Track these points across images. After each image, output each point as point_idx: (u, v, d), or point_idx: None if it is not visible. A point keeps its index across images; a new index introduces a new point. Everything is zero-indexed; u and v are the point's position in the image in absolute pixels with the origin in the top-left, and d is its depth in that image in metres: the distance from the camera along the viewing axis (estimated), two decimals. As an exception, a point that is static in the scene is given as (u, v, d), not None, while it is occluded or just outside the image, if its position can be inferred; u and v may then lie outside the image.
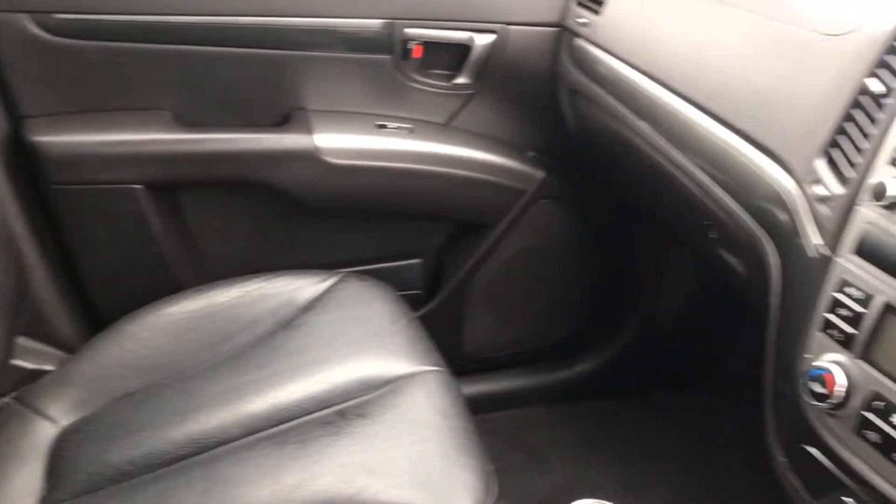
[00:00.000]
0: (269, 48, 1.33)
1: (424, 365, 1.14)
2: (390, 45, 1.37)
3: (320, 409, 1.09)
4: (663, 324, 1.72)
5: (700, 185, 1.10)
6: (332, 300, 1.26)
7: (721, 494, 1.19)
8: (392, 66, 1.39)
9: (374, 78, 1.40)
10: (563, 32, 1.43)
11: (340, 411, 1.08)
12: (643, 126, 1.22)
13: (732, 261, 1.13)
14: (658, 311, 1.71)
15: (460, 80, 1.43)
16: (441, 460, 0.99)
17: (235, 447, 1.04)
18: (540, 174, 1.50)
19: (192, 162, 1.35)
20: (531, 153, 1.53)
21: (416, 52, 1.39)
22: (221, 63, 1.32)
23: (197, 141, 1.34)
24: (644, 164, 1.25)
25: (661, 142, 1.18)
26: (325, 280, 1.29)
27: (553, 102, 1.48)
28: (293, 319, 1.23)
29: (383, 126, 1.42)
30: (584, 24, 1.37)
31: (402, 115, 1.44)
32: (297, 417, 1.08)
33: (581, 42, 1.37)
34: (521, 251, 1.56)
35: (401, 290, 1.34)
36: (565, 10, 1.42)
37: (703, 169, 1.09)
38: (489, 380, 1.72)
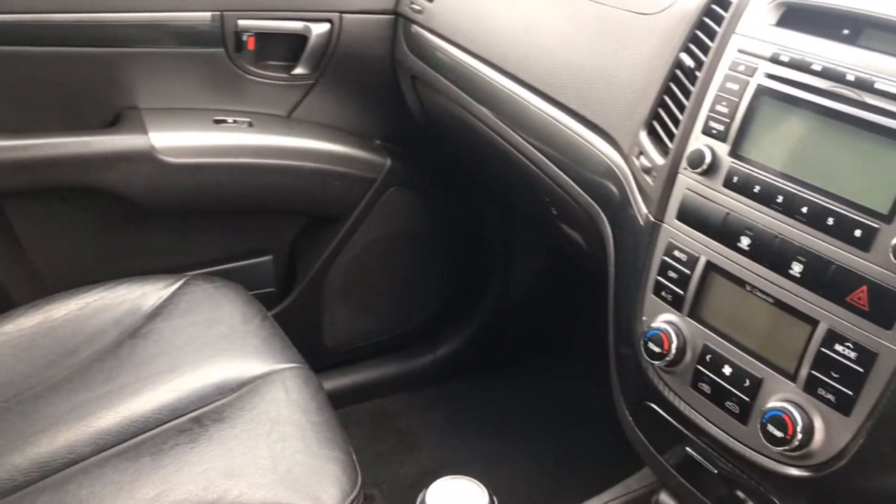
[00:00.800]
0: (95, 46, 1.27)
1: (281, 363, 1.13)
2: (223, 38, 1.33)
3: (175, 418, 1.05)
4: (517, 299, 1.77)
5: (538, 164, 1.13)
6: (179, 305, 1.22)
7: (582, 458, 1.25)
8: (226, 60, 1.36)
9: (208, 72, 1.36)
10: (399, 20, 1.44)
11: (196, 418, 1.05)
12: (482, 110, 1.25)
13: (574, 234, 1.18)
14: (511, 287, 1.76)
15: (299, 70, 1.41)
16: (304, 456, 0.98)
17: (86, 466, 0.99)
18: (387, 162, 1.50)
19: (17, 170, 1.26)
20: (377, 141, 1.53)
21: (251, 43, 1.36)
22: (44, 63, 1.24)
23: (21, 147, 1.26)
24: (486, 147, 1.28)
25: (501, 124, 1.21)
26: (170, 284, 1.24)
27: (395, 89, 1.49)
28: (139, 328, 1.18)
29: (222, 121, 1.38)
30: (418, 11, 1.38)
31: (240, 108, 1.41)
32: (151, 429, 1.04)
33: (417, 29, 1.38)
34: (374, 240, 1.56)
35: (253, 290, 1.31)
36: (399, -2, 1.43)
37: (539, 149, 1.13)
38: (353, 372, 1.72)
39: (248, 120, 1.39)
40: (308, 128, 1.44)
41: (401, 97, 1.49)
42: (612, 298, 0.94)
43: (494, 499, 0.67)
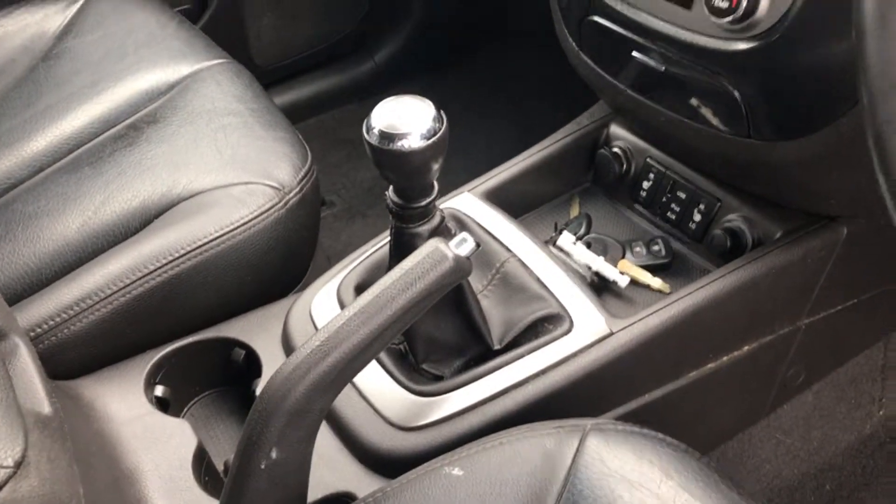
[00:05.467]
0: None
1: (208, 60, 1.07)
2: None
3: (109, 129, 1.01)
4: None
5: None
6: (87, 20, 1.13)
7: (546, 116, 1.22)
8: None
9: None
10: None
11: (131, 124, 1.01)
12: None
13: None
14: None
15: None
16: (249, 139, 0.95)
17: (28, 187, 0.96)
18: None
19: None
20: None
21: None
22: None
23: None
24: None
25: None
26: (73, 1, 1.14)
27: None
28: (51, 49, 1.11)
29: None
30: None
31: None
32: (87, 142, 1.00)
33: None
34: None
35: (166, 4, 1.22)
36: None
37: None
38: (291, 88, 1.65)
39: None
40: None
41: None
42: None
43: (441, 113, 0.65)
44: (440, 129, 0.64)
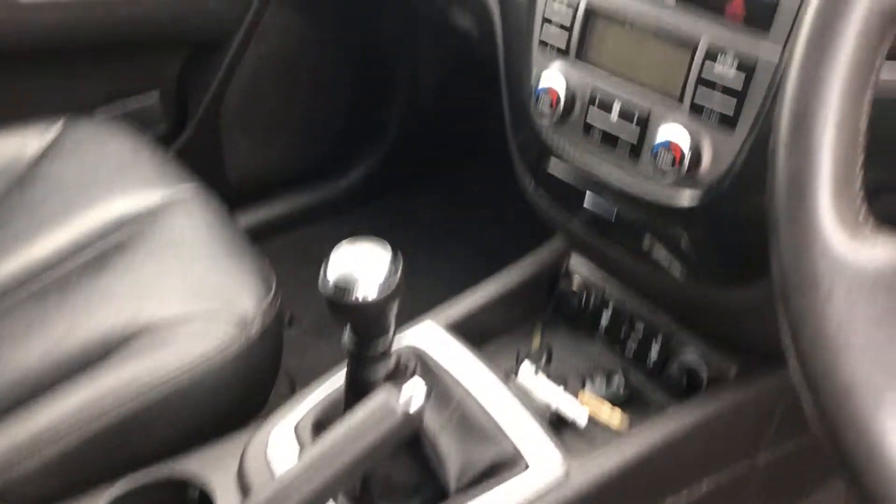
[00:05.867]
0: None
1: (178, 189, 1.09)
2: None
3: (76, 257, 1.02)
4: (426, 108, 1.73)
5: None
6: (63, 148, 1.16)
7: (496, 240, 1.26)
8: None
9: None
10: None
11: (99, 252, 1.02)
12: None
13: (462, 21, 1.14)
14: (419, 96, 1.72)
15: None
16: (214, 269, 0.97)
17: (-9, 313, 0.97)
18: (263, -24, 1.41)
19: None
20: (250, -45, 1.43)
21: None
22: None
23: None
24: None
25: None
26: (50, 129, 1.18)
27: None
28: (24, 176, 1.13)
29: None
30: None
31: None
32: (53, 269, 1.01)
33: None
34: (264, 63, 1.49)
35: (143, 128, 1.26)
36: None
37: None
38: (266, 206, 1.68)
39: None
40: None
41: None
42: (503, 70, 0.92)
43: (398, 253, 0.67)
44: (396, 276, 0.66)
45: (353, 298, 0.64)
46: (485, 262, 1.07)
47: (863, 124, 0.41)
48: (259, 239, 1.63)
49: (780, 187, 0.42)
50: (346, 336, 0.69)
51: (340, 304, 0.64)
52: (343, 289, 0.64)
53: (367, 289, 0.65)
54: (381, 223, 1.73)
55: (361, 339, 0.69)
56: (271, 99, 1.56)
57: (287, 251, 1.67)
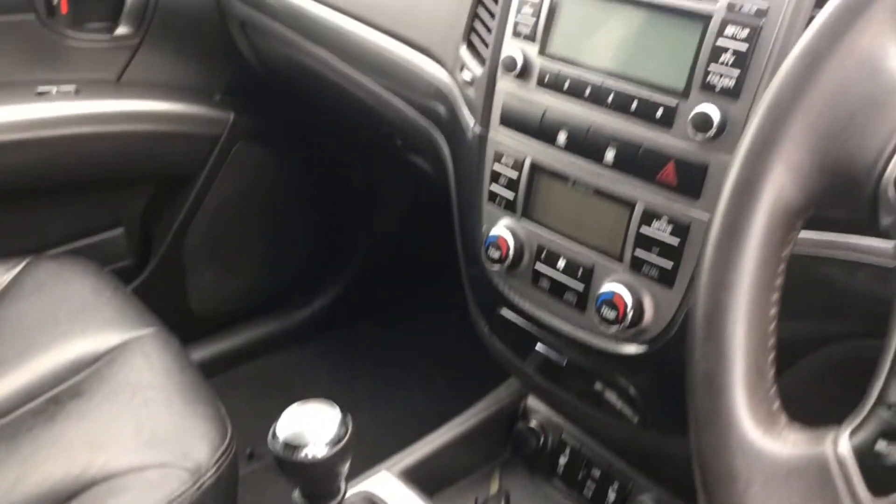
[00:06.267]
0: None
1: (137, 330, 1.09)
2: (31, 3, 1.26)
3: (30, 402, 1.01)
4: (388, 240, 1.77)
5: (375, 96, 1.13)
6: (24, 286, 1.16)
7: (463, 385, 1.27)
8: (39, 26, 1.28)
9: (22, 41, 1.28)
10: (219, -34, 1.39)
11: (52, 398, 1.01)
12: (314, 48, 1.22)
13: (420, 162, 1.18)
14: (381, 229, 1.76)
15: (121, 30, 1.35)
16: (169, 416, 0.96)
17: (-62, 464, 0.94)
18: (230, 116, 1.46)
19: None
20: (217, 96, 1.48)
21: (63, 6, 1.28)
22: None
23: None
24: (324, 86, 1.26)
25: (333, 61, 1.19)
26: (12, 267, 1.18)
27: (227, 39, 1.44)
28: (-16, 316, 1.13)
29: (46, 93, 1.31)
30: (237, -45, 1.33)
31: (65, 77, 1.33)
32: (5, 416, 1.00)
33: (238, -27, 1.34)
34: (228, 199, 1.52)
35: (107, 265, 1.27)
36: (217, -57, 1.38)
37: (373, 79, 1.12)
38: (229, 336, 1.69)
39: (72, 88, 1.32)
40: (139, 90, 1.38)
41: (235, 47, 1.45)
42: (456, 215, 0.95)
43: (348, 415, 0.68)
44: (345, 437, 0.66)
45: (303, 455, 0.64)
46: (446, 400, 1.08)
47: (773, 314, 0.43)
48: (222, 369, 1.64)
49: (697, 385, 0.44)
50: (295, 497, 0.69)
51: (289, 463, 0.64)
52: (293, 446, 0.65)
53: (318, 447, 0.65)
54: (340, 354, 1.74)
55: (311, 500, 0.69)
56: (236, 231, 1.59)
57: (250, 381, 1.66)
